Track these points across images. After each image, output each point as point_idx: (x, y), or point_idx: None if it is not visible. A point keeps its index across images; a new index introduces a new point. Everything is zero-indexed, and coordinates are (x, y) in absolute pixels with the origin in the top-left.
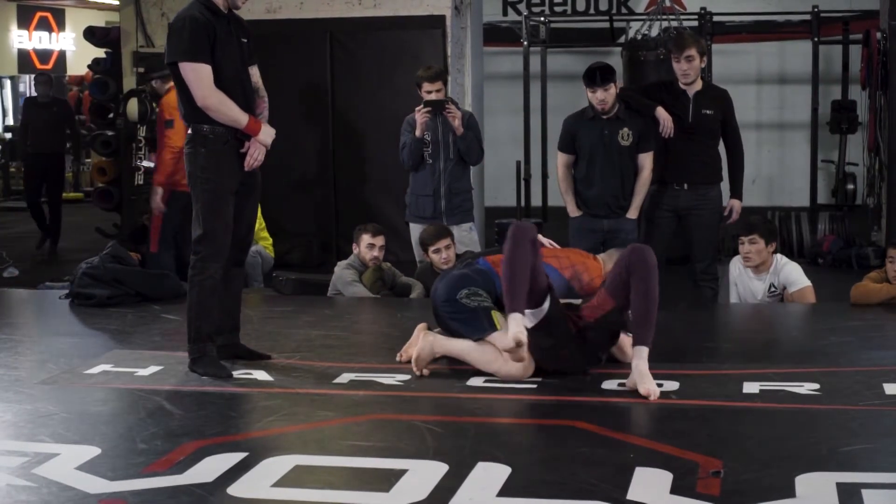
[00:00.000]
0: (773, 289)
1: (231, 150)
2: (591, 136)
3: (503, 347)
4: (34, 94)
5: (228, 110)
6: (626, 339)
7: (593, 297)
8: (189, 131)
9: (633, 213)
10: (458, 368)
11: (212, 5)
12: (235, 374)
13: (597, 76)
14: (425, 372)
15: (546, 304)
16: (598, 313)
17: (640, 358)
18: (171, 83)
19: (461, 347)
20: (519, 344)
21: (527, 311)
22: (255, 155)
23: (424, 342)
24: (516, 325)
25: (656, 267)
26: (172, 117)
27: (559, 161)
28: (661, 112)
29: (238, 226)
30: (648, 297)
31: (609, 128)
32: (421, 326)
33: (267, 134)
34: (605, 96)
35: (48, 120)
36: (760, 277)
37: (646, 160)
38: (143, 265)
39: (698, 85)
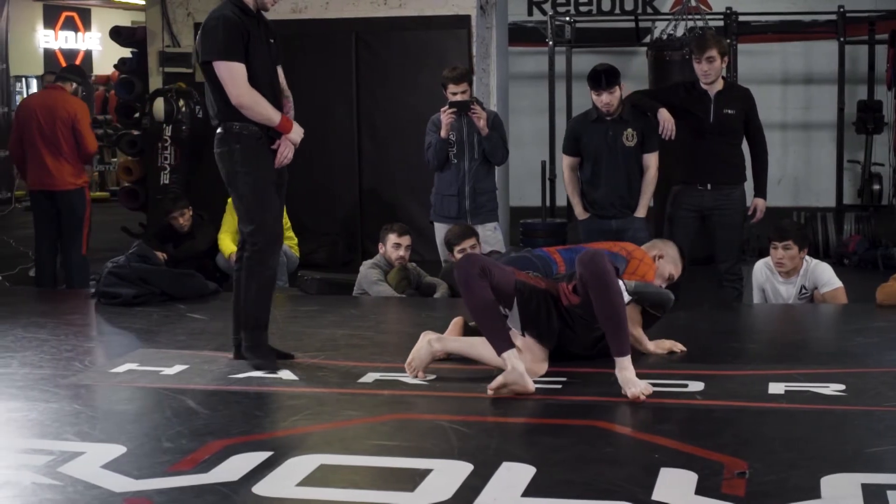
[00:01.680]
0: (804, 291)
1: (264, 148)
2: (596, 137)
3: (509, 383)
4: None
5: (262, 108)
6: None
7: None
8: (220, 130)
9: (640, 212)
10: (481, 368)
11: (243, 5)
12: (260, 373)
13: (602, 79)
14: (420, 375)
15: (514, 308)
16: (575, 299)
17: (621, 368)
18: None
19: (469, 342)
20: (525, 383)
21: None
22: (286, 153)
23: (422, 343)
24: (518, 363)
25: (609, 272)
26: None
27: (564, 164)
28: (662, 113)
29: None
30: (611, 309)
31: (613, 129)
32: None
33: (297, 132)
34: (610, 99)
35: None
36: (790, 281)
37: (651, 160)
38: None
39: (720, 85)
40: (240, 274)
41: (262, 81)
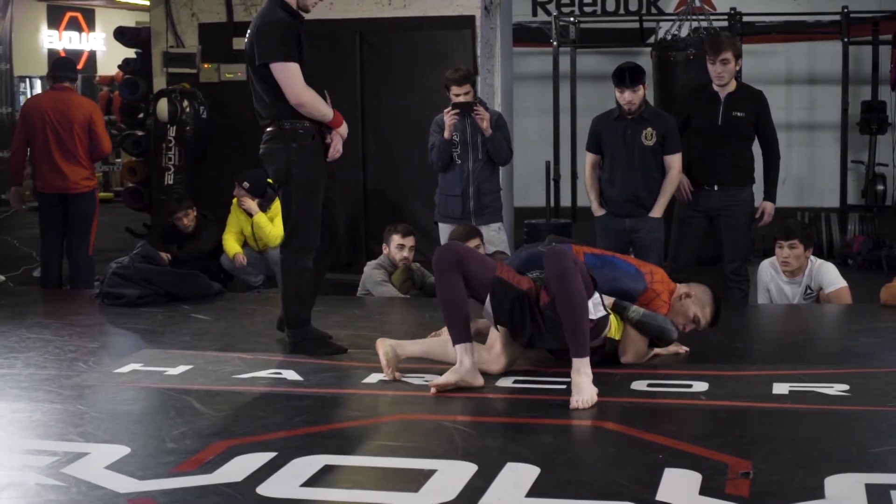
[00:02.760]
0: (809, 291)
1: (318, 144)
2: (614, 135)
3: (456, 380)
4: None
5: (320, 105)
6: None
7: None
8: (272, 128)
9: (656, 213)
10: (482, 368)
11: (290, 8)
12: (264, 373)
13: (626, 77)
14: (398, 375)
15: (487, 303)
16: (546, 300)
17: (575, 372)
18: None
19: (428, 344)
20: (473, 378)
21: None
22: (339, 146)
23: (385, 347)
24: (468, 357)
25: (569, 271)
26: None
27: (586, 160)
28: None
29: (328, 217)
30: (569, 308)
31: (632, 127)
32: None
33: (345, 126)
34: (632, 97)
35: None
36: (795, 281)
37: (673, 161)
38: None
39: (732, 86)
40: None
41: (312, 80)
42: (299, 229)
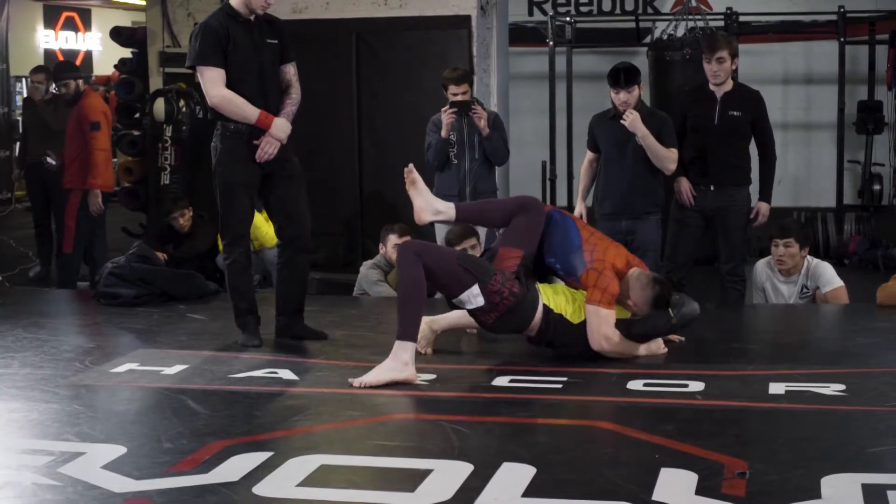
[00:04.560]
0: (805, 290)
1: (242, 145)
2: (609, 135)
3: (385, 379)
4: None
5: (236, 108)
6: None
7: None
8: (215, 127)
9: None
10: (481, 368)
11: (233, 11)
12: (260, 373)
13: (621, 77)
14: (429, 351)
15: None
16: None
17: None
18: (87, 86)
19: (451, 318)
20: (408, 381)
21: (463, 295)
22: (266, 148)
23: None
24: (407, 355)
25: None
26: (99, 119)
27: (585, 158)
28: (682, 183)
29: (287, 214)
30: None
31: (625, 128)
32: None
33: (279, 128)
34: (627, 98)
35: (40, 123)
36: (791, 280)
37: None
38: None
39: (728, 86)
40: (278, 265)
41: (246, 82)
42: (225, 225)
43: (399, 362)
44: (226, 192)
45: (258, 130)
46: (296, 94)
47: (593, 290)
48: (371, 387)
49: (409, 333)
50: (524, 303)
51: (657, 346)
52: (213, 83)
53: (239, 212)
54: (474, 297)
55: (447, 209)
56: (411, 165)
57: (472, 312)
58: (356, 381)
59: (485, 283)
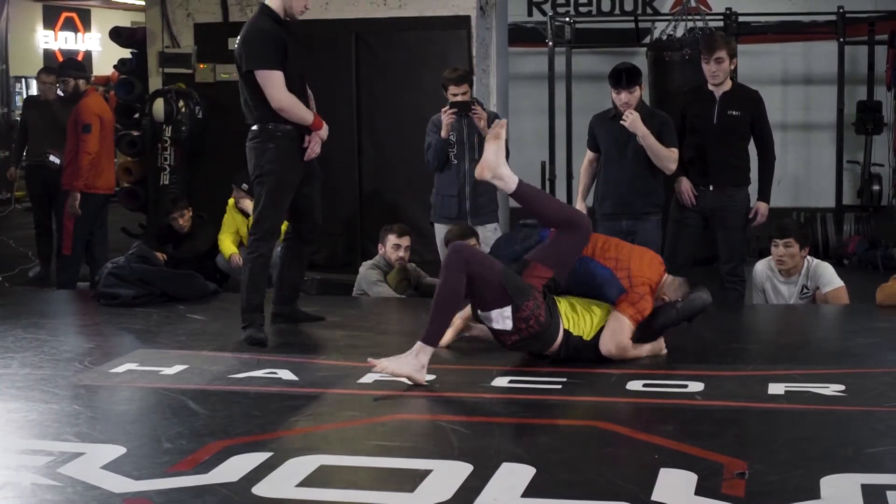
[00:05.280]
0: (805, 291)
1: (296, 146)
2: (609, 135)
3: (403, 373)
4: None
5: (299, 110)
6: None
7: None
8: (255, 128)
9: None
10: (481, 368)
11: (276, 16)
12: (260, 373)
13: (622, 78)
14: (446, 341)
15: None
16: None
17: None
18: (88, 87)
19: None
20: (417, 383)
21: (493, 312)
22: (315, 148)
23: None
24: (426, 359)
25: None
26: (91, 122)
27: (585, 157)
28: (683, 183)
29: (307, 211)
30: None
31: (626, 128)
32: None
33: (325, 128)
34: (629, 98)
35: (48, 121)
36: (791, 281)
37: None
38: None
39: (727, 86)
40: (287, 251)
41: (295, 86)
42: (263, 222)
43: (418, 363)
44: (277, 189)
45: (306, 131)
46: (311, 95)
47: (627, 307)
48: (386, 373)
49: (435, 339)
50: (547, 331)
51: (659, 346)
52: (278, 86)
53: (283, 209)
54: (504, 318)
55: (508, 179)
56: (504, 121)
57: (495, 331)
58: (377, 363)
59: (517, 308)
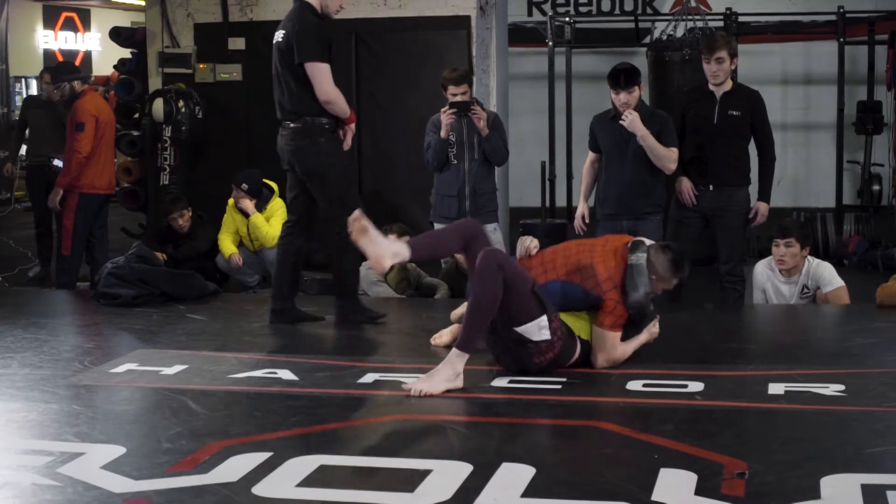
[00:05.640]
0: (805, 291)
1: (338, 137)
2: (609, 136)
3: (438, 391)
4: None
5: (343, 103)
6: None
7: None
8: (297, 125)
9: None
10: (480, 368)
11: (316, 12)
12: (260, 373)
13: (621, 78)
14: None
15: (544, 317)
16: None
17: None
18: (85, 86)
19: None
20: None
21: (529, 325)
22: (349, 140)
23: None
24: (461, 366)
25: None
26: (84, 121)
27: (587, 158)
28: (683, 183)
29: (310, 205)
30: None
31: (626, 129)
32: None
33: (354, 122)
34: (628, 99)
35: (53, 122)
36: (791, 281)
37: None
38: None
39: (728, 86)
40: (287, 247)
41: (335, 79)
42: (346, 206)
43: (453, 372)
44: (344, 174)
45: (340, 124)
46: None
47: (605, 318)
48: (429, 395)
49: (470, 346)
50: (570, 339)
51: (653, 331)
52: (328, 79)
53: (355, 188)
54: (541, 328)
55: (401, 249)
56: (358, 212)
57: (526, 352)
58: (413, 390)
59: (550, 317)
